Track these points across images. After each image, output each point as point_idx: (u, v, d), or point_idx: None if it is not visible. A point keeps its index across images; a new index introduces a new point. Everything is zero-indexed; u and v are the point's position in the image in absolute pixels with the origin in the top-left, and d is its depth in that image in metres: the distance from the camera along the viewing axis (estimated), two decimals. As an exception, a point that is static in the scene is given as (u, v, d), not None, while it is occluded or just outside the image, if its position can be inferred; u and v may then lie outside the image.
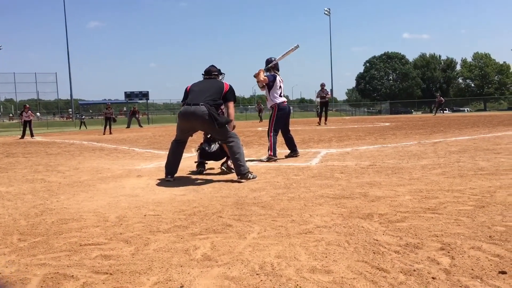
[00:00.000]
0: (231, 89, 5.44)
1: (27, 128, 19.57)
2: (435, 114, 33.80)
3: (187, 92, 5.45)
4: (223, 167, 5.95)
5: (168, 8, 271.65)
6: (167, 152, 5.62)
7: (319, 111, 21.46)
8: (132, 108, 33.04)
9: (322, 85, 20.45)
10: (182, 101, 5.60)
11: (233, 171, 5.65)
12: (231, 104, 5.46)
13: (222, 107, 5.49)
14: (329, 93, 21.16)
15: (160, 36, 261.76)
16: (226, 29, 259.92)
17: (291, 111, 7.25)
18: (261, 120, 34.11)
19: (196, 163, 6.08)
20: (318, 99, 20.67)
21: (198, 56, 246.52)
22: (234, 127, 5.44)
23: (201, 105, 5.10)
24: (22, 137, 19.25)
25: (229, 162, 5.88)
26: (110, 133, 20.56)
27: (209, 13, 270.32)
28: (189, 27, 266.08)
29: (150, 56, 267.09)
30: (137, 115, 31.76)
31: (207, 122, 5.10)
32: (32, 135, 19.38)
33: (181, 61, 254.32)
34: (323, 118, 20.81)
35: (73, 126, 36.76)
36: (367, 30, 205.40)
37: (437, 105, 36.43)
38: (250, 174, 5.16)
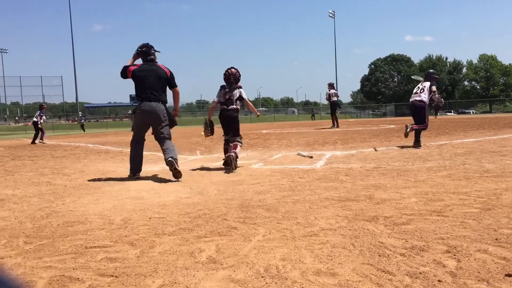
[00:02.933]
0: (172, 75, 5.95)
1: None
2: (435, 117, 33.09)
3: (127, 76, 5.84)
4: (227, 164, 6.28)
5: (170, 11, 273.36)
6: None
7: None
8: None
9: (329, 85, 19.51)
10: (122, 76, 5.93)
11: (228, 167, 6.22)
12: (177, 90, 6.07)
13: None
14: (332, 95, 19.37)
15: (162, 38, 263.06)
16: (229, 31, 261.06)
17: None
18: None
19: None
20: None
21: (200, 58, 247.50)
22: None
23: (160, 102, 5.75)
24: (39, 140, 16.97)
25: (234, 154, 6.24)
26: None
27: (211, 15, 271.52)
28: (191, 29, 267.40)
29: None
30: None
31: (163, 119, 5.75)
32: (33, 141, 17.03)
33: (184, 63, 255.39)
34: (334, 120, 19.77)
35: (78, 129, 36.78)
36: (369, 32, 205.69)
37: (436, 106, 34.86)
38: (176, 164, 5.49)
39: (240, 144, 6.54)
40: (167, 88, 5.92)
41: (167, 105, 5.86)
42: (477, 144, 8.62)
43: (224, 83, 6.68)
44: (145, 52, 5.94)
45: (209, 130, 6.89)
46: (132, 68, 5.85)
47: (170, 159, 5.47)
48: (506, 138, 9.77)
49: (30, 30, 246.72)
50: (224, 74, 6.71)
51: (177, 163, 5.49)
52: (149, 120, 5.82)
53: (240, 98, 6.65)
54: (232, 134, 6.58)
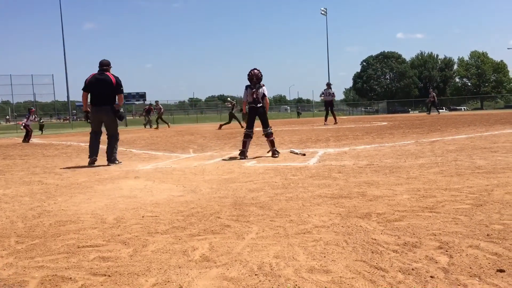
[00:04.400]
0: (117, 83, 7.38)
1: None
2: (429, 113, 32.42)
3: (86, 84, 7.44)
4: (270, 154, 7.53)
5: (162, 9, 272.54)
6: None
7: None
8: (148, 106, 29.59)
9: (328, 85, 20.43)
10: (83, 89, 7.52)
11: (276, 156, 7.36)
12: (121, 96, 7.58)
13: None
14: (324, 94, 20.43)
15: (155, 37, 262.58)
16: (220, 30, 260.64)
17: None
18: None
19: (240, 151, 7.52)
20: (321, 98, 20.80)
21: (192, 56, 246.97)
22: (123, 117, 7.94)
23: (106, 104, 7.38)
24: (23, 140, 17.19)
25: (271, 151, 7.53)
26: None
27: (203, 13, 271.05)
28: (183, 27, 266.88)
29: (146, 57, 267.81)
30: (150, 114, 28.32)
31: (108, 117, 7.43)
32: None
33: (176, 61, 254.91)
34: (330, 118, 20.40)
35: (70, 128, 36.46)
36: (360, 30, 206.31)
37: (429, 102, 32.99)
38: (117, 161, 7.33)
39: (273, 136, 7.63)
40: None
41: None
42: (469, 140, 8.69)
43: (248, 83, 7.65)
44: (99, 64, 7.55)
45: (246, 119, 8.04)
46: (87, 78, 7.46)
47: (112, 159, 7.34)
48: (497, 135, 9.85)
49: (20, 29, 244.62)
50: (248, 75, 7.67)
51: (113, 161, 7.33)
52: (99, 117, 7.50)
53: (263, 96, 7.66)
54: (264, 125, 7.69)
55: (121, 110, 7.69)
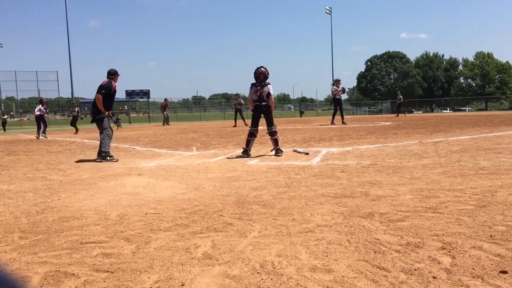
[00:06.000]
0: (100, 86, 7.62)
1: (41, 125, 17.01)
2: (397, 115, 31.28)
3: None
4: (273, 152, 7.55)
5: (167, 7, 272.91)
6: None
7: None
8: (164, 102, 28.90)
9: (335, 81, 19.00)
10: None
11: (279, 154, 7.32)
12: (96, 96, 7.60)
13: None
14: (336, 90, 18.71)
15: (159, 35, 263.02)
16: (225, 28, 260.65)
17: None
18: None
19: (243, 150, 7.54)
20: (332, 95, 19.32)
21: (196, 55, 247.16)
22: (108, 115, 7.67)
23: (93, 106, 7.71)
24: (42, 135, 16.69)
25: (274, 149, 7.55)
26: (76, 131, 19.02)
27: (208, 11, 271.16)
28: (188, 26, 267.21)
29: (150, 55, 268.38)
30: (166, 110, 27.56)
31: (92, 117, 7.80)
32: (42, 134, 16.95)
33: (180, 60, 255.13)
34: (338, 117, 19.52)
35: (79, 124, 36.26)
36: (364, 29, 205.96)
37: (397, 105, 32.77)
38: (109, 157, 7.46)
39: (277, 135, 7.60)
40: None
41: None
42: (473, 141, 8.66)
43: (254, 81, 7.60)
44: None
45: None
46: None
47: (103, 154, 7.55)
48: (501, 136, 9.82)
49: (26, 25, 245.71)
50: (255, 73, 7.62)
51: (107, 155, 7.49)
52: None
53: (268, 94, 7.59)
54: (268, 124, 7.69)
55: (104, 111, 7.62)
